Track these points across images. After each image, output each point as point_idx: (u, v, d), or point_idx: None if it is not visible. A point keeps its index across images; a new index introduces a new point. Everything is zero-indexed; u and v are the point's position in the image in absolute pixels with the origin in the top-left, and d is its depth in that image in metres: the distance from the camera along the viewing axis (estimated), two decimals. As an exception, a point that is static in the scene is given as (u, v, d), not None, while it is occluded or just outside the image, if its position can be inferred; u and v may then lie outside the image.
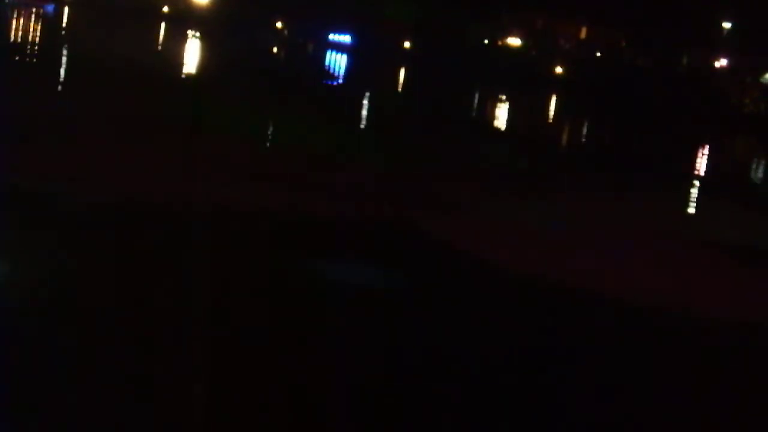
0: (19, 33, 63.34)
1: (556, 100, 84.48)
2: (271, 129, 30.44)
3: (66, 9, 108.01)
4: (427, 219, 18.25)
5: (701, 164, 44.76)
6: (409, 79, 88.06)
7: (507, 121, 55.39)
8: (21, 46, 52.08)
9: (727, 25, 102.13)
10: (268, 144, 27.89)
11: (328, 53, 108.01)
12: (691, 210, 26.99)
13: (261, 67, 68.26)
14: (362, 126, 37.42)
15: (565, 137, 51.76)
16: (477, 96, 76.10)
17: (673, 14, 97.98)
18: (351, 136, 31.85)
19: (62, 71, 41.34)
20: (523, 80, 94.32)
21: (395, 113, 45.38)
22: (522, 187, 25.54)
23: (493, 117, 57.43)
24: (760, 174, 46.13)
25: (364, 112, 43.83)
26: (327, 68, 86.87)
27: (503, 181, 26.03)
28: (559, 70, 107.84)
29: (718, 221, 24.75)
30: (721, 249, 19.59)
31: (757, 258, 19.25)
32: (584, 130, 59.15)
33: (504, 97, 74.79)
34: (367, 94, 55.90)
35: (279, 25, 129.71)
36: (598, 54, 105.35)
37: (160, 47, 78.07)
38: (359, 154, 27.13)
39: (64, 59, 47.56)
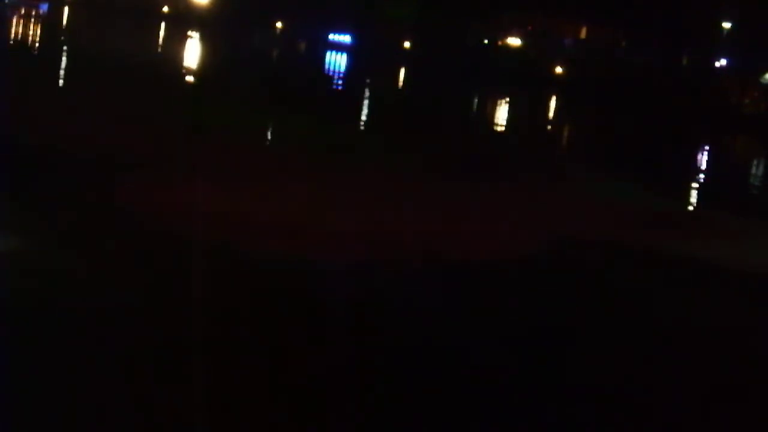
0: (19, 33, 63.47)
1: (555, 100, 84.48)
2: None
3: (61, 9, 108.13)
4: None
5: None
6: (409, 78, 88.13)
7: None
8: (21, 46, 52.43)
9: (727, 25, 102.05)
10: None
11: (325, 53, 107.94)
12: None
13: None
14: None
15: (553, 135, 51.75)
16: (468, 94, 76.11)
17: (673, 14, 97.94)
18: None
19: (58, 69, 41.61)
20: (522, 80, 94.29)
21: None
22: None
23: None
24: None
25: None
26: (318, 66, 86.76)
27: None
28: (559, 70, 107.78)
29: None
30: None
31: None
32: (577, 129, 59.19)
33: (494, 97, 74.80)
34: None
35: (279, 25, 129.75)
36: (598, 54, 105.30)
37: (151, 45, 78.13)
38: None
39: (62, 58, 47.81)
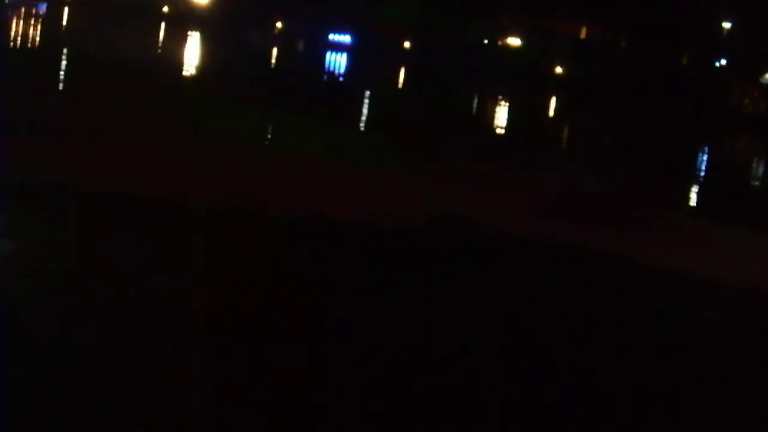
0: (19, 33, 63.67)
1: (555, 100, 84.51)
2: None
3: (59, 8, 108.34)
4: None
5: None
6: (409, 78, 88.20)
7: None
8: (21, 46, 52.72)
9: (727, 25, 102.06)
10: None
11: (325, 53, 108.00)
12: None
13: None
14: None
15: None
16: (468, 94, 76.18)
17: (673, 14, 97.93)
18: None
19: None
20: (522, 80, 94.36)
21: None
22: None
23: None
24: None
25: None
26: (317, 66, 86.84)
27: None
28: (559, 70, 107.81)
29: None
30: None
31: None
32: (574, 128, 59.16)
33: (493, 96, 74.83)
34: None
35: (279, 25, 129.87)
36: (598, 54, 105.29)
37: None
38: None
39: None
